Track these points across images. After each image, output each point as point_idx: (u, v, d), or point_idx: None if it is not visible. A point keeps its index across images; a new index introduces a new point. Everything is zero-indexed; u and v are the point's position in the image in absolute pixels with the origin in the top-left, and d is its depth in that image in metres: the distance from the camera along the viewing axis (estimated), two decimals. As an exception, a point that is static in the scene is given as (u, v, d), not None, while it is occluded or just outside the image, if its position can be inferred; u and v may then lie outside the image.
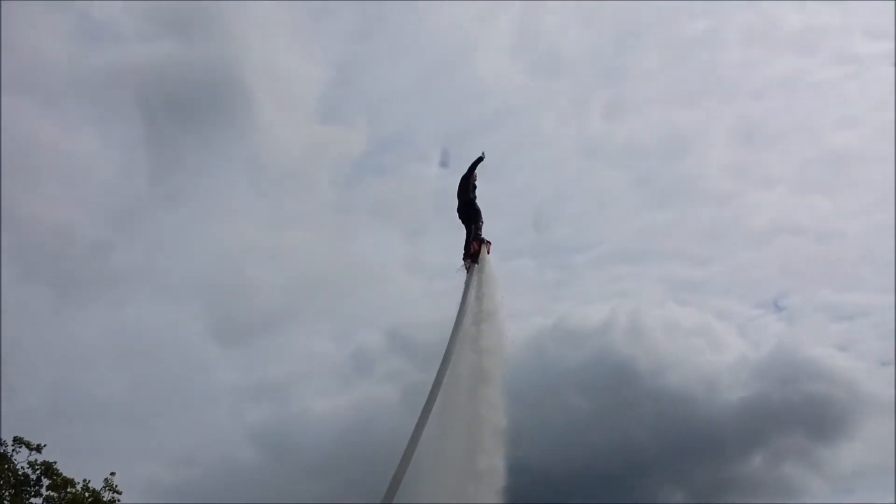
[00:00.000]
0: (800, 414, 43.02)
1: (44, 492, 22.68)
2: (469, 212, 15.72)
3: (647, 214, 69.86)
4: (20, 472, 22.55)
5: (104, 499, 23.14)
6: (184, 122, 61.94)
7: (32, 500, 22.58)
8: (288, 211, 65.76)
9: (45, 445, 22.90)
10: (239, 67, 61.29)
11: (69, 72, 60.18)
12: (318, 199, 65.80)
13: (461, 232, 15.84)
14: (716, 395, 48.31)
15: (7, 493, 22.21)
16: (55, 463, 22.83)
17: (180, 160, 58.99)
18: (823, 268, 64.18)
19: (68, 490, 22.78)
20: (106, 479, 23.43)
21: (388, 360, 57.97)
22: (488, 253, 15.54)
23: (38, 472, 22.71)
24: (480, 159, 15.99)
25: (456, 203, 15.97)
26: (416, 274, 72.96)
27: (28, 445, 22.74)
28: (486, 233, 15.73)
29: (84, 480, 23.15)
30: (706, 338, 56.72)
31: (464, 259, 15.48)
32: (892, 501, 42.14)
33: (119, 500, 23.46)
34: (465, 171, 15.82)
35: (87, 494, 22.97)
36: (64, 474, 22.87)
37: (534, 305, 71.98)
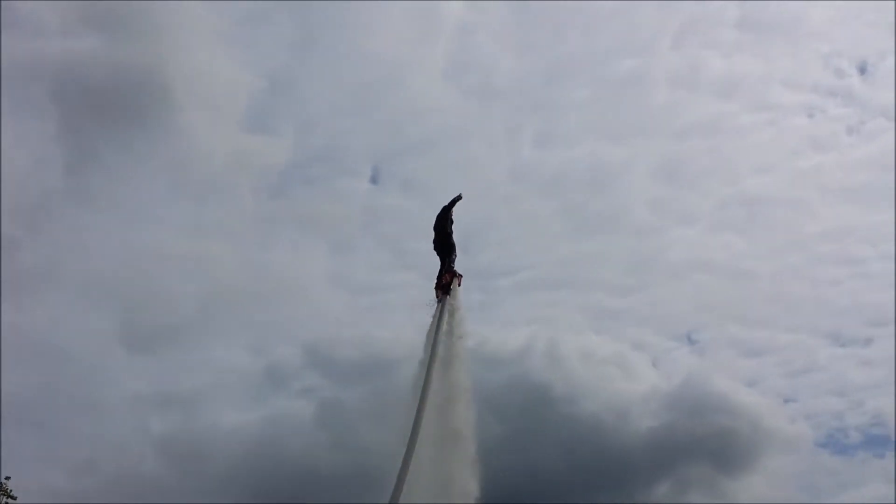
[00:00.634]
0: (706, 445, 44.24)
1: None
2: (445, 245, 16.57)
3: (571, 244, 71.28)
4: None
5: (-4, 503, 22.22)
6: (103, 121, 60.14)
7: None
8: (208, 219, 64.69)
9: (-62, 446, 21.95)
10: (165, 69, 60.06)
11: (-19, 62, 57.82)
12: (241, 209, 64.83)
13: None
14: (626, 424, 49.23)
15: None
16: (-52, 465, 21.85)
17: (97, 160, 57.37)
18: (735, 305, 66.47)
19: (-41, 493, 21.80)
20: (0, 483, 22.54)
21: (304, 376, 57.25)
22: (459, 285, 16.32)
23: (-71, 473, 21.55)
24: (458, 198, 16.76)
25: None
26: (340, 290, 72.34)
27: (-80, 446, 21.70)
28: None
29: (-23, 484, 22.17)
30: (621, 367, 57.83)
31: (436, 289, 16.26)
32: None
33: (13, 506, 22.57)
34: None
35: (-21, 498, 22.00)
36: (-44, 477, 21.79)
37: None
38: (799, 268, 70.19)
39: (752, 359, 65.30)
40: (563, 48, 74.88)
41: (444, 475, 14.37)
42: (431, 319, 15.85)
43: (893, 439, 61.45)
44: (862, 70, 75.25)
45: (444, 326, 15.65)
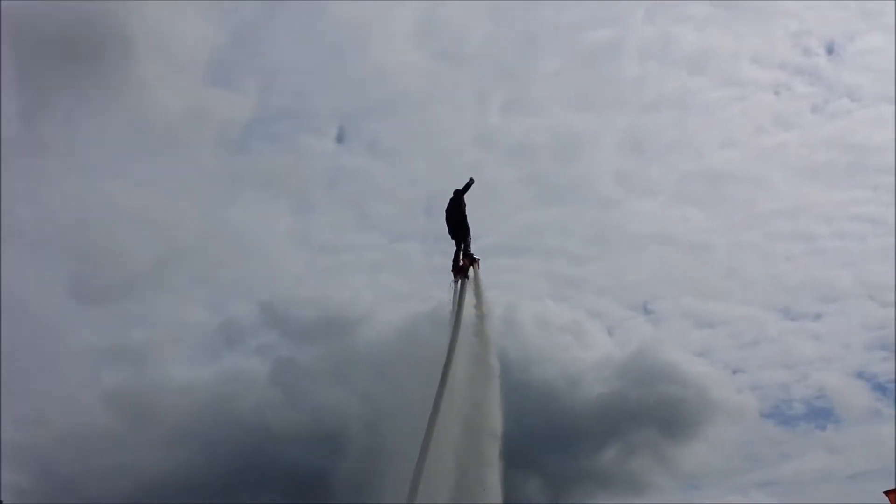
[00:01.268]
0: (654, 413, 45.06)
1: None
2: (460, 229, 16.92)
3: (534, 212, 71.31)
4: None
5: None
6: (59, 71, 58.16)
7: None
8: (166, 173, 63.39)
9: None
10: (125, 19, 58.13)
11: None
12: (200, 164, 63.64)
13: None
14: (578, 391, 49.93)
15: None
16: None
17: (53, 110, 55.65)
18: (692, 277, 67.35)
19: None
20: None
21: (260, 334, 56.97)
22: (477, 268, 16.81)
23: None
24: (471, 182, 16.94)
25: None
26: (301, 248, 71.87)
27: None
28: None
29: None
30: (576, 335, 58.47)
31: (452, 272, 16.76)
32: (734, 500, 45.18)
33: (-43, 460, 22.27)
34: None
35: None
36: None
37: (415, 289, 72.13)
38: (755, 243, 71.22)
39: (704, 330, 66.43)
40: (535, 16, 74.09)
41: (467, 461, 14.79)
42: (451, 302, 16.35)
43: (835, 412, 63.39)
44: (829, 50, 75.89)
45: (465, 309, 16.06)
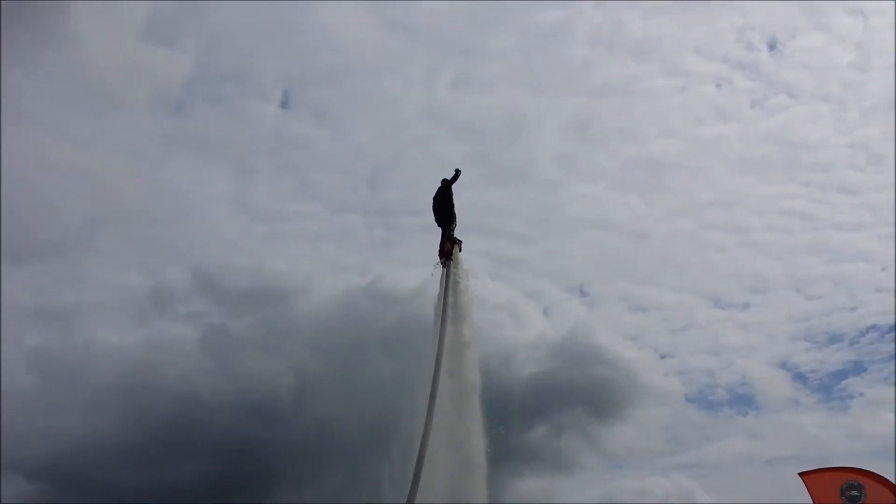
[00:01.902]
0: (583, 394, 45.76)
1: None
2: (447, 215, 17.66)
3: (478, 190, 71.28)
4: None
5: None
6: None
7: None
8: (101, 132, 61.59)
9: None
10: (59, -30, 55.98)
11: None
12: (136, 123, 62.05)
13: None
14: (510, 369, 50.31)
15: None
16: None
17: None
18: (628, 262, 68.54)
19: None
20: None
21: (192, 301, 55.99)
22: (460, 251, 17.56)
23: None
24: (458, 173, 17.73)
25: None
26: (239, 215, 70.66)
27: None
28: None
29: None
30: (512, 314, 58.93)
31: (439, 256, 17.46)
32: (656, 481, 46.39)
33: None
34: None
35: None
36: None
37: (355, 262, 71.86)
38: (690, 232, 72.79)
39: (637, 314, 67.77)
40: (488, -7, 73.83)
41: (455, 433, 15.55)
42: (438, 285, 17.10)
43: (756, 400, 65.58)
44: (771, 46, 77.54)
45: (451, 290, 16.87)
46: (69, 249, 53.73)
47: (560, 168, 75.57)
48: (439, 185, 17.74)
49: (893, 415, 59.53)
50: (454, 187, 17.90)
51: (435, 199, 17.83)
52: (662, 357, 61.66)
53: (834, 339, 65.62)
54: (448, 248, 17.48)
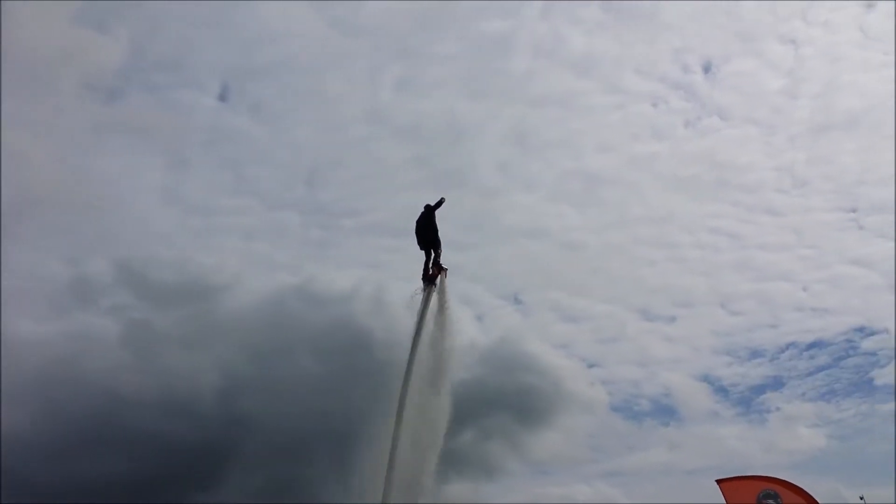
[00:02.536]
0: (510, 400, 46.02)
1: None
2: (432, 241, 18.14)
3: (417, 193, 71.29)
4: None
5: None
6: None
7: None
8: (27, 113, 59.31)
9: None
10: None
11: None
12: (65, 108, 60.02)
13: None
14: (441, 376, 50.36)
15: None
16: None
17: None
18: (561, 272, 69.45)
19: None
20: None
21: (114, 293, 54.41)
22: (444, 278, 18.04)
23: None
24: (442, 201, 18.29)
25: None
26: (170, 208, 69.07)
27: None
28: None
29: None
30: (444, 320, 58.87)
31: (423, 279, 17.90)
32: (579, 488, 46.94)
33: None
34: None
35: None
36: None
37: (288, 261, 70.92)
38: (622, 245, 74.14)
39: (568, 324, 68.67)
40: (435, -1, 73.90)
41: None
42: (418, 307, 17.53)
43: (678, 411, 67.07)
44: (706, 69, 79.75)
45: (430, 315, 17.40)
46: (-13, 235, 51.68)
47: (498, 175, 76.12)
48: (423, 210, 18.24)
49: (808, 430, 61.69)
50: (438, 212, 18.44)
51: (418, 223, 18.28)
52: (590, 366, 62.61)
53: (755, 354, 67.68)
54: (434, 273, 17.99)
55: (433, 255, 18.27)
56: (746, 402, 70.73)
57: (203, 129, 70.63)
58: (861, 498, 36.58)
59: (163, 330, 49.31)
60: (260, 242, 70.00)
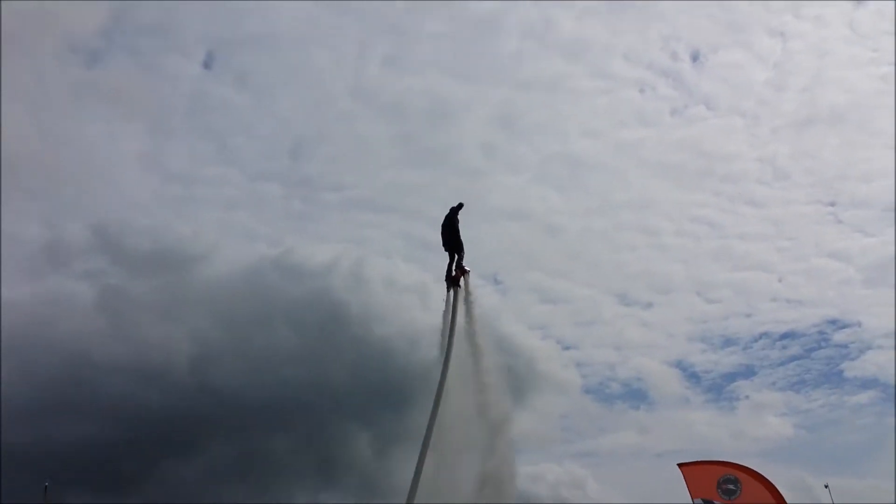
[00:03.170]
0: (483, 379, 46.39)
1: None
2: (454, 244, 18.69)
3: (401, 171, 71.18)
4: None
5: None
6: None
7: None
8: (4, 77, 58.36)
9: None
10: None
11: None
12: (45, 72, 59.05)
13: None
14: (415, 352, 50.37)
15: None
16: None
17: None
18: (542, 255, 69.65)
19: None
20: None
21: (90, 258, 54.03)
22: (468, 279, 18.63)
23: None
24: (460, 206, 18.99)
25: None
26: (150, 175, 68.44)
27: None
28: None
29: None
30: (421, 297, 58.94)
31: (446, 282, 18.49)
32: (549, 467, 47.41)
33: None
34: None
35: None
36: None
37: (267, 232, 70.66)
38: (603, 230, 74.46)
39: (547, 305, 69.01)
40: (425, -23, 73.22)
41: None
42: (444, 309, 18.19)
43: (649, 395, 67.80)
44: (694, 58, 79.73)
45: (459, 316, 17.95)
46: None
47: (484, 157, 76.11)
48: (447, 212, 18.85)
49: (776, 419, 62.55)
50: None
51: (444, 225, 18.84)
52: (566, 348, 63.02)
53: (729, 342, 68.42)
54: (457, 275, 18.58)
55: (456, 258, 18.81)
56: (717, 388, 71.60)
57: (186, 97, 69.94)
58: (826, 486, 37.21)
59: (138, 297, 49.04)
60: (240, 213, 69.65)
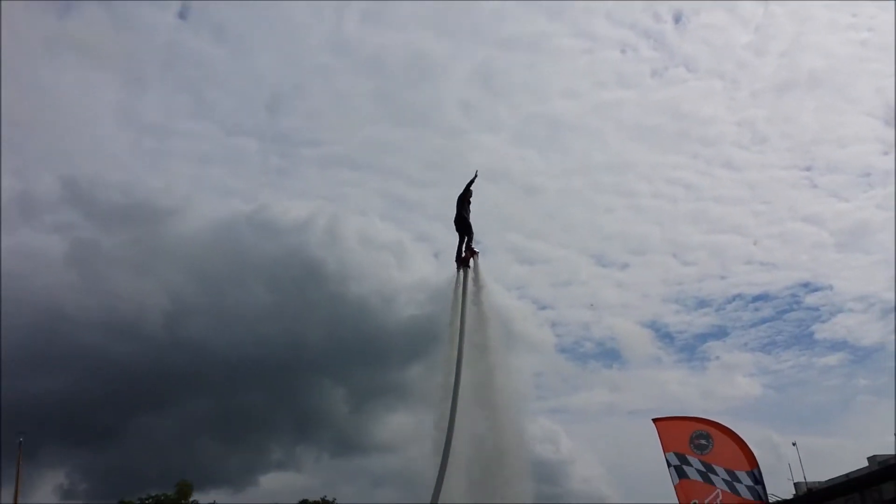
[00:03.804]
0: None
1: None
2: (464, 225, 19.33)
3: (380, 128, 70.98)
4: None
5: None
6: None
7: None
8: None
9: None
10: None
11: None
12: (14, 20, 57.64)
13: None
14: (391, 310, 50.72)
15: None
16: None
17: None
18: (520, 215, 70.05)
19: None
20: None
21: (60, 211, 53.33)
22: (477, 260, 19.40)
23: None
24: (475, 177, 19.46)
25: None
26: (124, 128, 67.55)
27: None
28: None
29: None
30: (397, 255, 59.00)
31: (456, 262, 19.21)
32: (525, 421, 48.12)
33: None
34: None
35: None
36: None
37: (243, 188, 70.00)
38: (582, 191, 75.05)
39: (524, 266, 69.82)
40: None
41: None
42: (454, 289, 18.95)
43: (622, 355, 68.85)
44: (677, 20, 79.94)
45: (469, 296, 18.68)
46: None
47: (463, 115, 75.93)
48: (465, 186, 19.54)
49: (745, 379, 63.73)
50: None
51: (459, 197, 19.41)
52: (542, 308, 63.76)
53: (702, 303, 69.68)
54: (467, 256, 19.29)
55: (466, 239, 19.38)
56: (690, 349, 73.11)
57: (161, 48, 68.92)
58: (794, 444, 38.11)
59: (109, 250, 48.74)
60: (215, 167, 68.97)
